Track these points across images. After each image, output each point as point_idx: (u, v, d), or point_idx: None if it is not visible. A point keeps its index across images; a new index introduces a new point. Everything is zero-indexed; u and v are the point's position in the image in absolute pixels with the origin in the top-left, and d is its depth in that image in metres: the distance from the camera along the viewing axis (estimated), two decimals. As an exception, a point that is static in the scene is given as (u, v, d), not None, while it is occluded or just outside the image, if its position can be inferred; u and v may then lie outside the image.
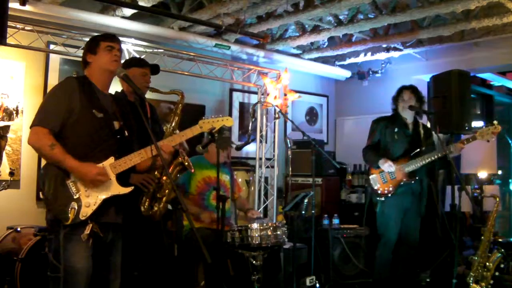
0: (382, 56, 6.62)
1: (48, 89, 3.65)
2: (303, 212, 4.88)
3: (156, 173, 3.03)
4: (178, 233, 3.87)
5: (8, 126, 4.69)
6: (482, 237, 4.30)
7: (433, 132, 4.58)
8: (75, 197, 2.55)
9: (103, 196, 2.60)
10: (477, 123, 6.74)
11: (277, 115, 5.13)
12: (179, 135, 2.94)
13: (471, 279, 4.22)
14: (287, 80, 6.12)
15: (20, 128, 4.75)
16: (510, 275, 4.75)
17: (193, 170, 3.23)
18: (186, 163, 3.06)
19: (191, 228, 3.57)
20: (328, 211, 5.84)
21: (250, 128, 5.53)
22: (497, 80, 7.59)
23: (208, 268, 3.81)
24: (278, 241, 3.87)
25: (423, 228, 4.59)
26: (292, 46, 6.38)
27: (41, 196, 4.65)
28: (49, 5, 4.54)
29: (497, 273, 4.30)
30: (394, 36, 5.90)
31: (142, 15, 5.23)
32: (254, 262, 3.80)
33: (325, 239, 5.28)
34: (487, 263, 4.26)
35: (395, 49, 6.33)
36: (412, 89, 4.51)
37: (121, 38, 4.87)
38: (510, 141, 6.87)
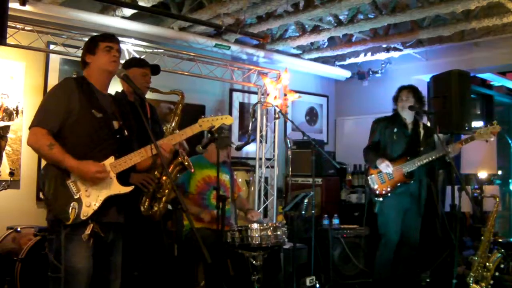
0: (382, 56, 6.62)
1: (48, 89, 3.65)
2: (303, 212, 4.88)
3: (156, 173, 3.03)
4: (178, 233, 3.87)
5: (8, 126, 4.69)
6: (482, 237, 4.30)
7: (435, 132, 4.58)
8: (75, 197, 2.55)
9: (103, 195, 2.60)
10: (477, 123, 6.74)
11: (277, 115, 5.14)
12: (179, 134, 2.94)
13: (471, 279, 4.22)
14: (287, 80, 6.13)
15: (20, 128, 4.75)
16: (510, 275, 4.75)
17: (193, 170, 3.23)
18: (186, 163, 3.06)
19: (191, 228, 3.57)
20: (328, 211, 5.84)
21: (250, 128, 5.53)
22: (497, 80, 7.59)
23: (208, 268, 3.81)
24: (278, 241, 3.87)
25: (423, 228, 4.59)
26: (292, 46, 6.38)
27: (41, 196, 4.65)
28: (49, 5, 4.54)
29: (497, 273, 4.30)
30: (394, 36, 5.90)
31: (142, 15, 5.23)
32: (254, 262, 3.80)
33: (325, 239, 5.28)
34: (487, 263, 4.26)
35: (395, 49, 6.33)
36: (411, 89, 4.51)
37: (121, 38, 4.88)
38: (510, 141, 6.86)
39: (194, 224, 3.00)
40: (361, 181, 6.50)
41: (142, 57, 4.61)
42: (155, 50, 5.32)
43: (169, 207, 3.06)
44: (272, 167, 6.29)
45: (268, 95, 6.09)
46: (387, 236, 4.49)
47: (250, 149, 6.38)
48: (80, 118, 2.63)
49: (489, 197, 5.18)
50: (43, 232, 3.90)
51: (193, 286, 4.09)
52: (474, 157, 5.96)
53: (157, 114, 3.75)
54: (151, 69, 3.54)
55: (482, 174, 6.07)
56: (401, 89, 4.57)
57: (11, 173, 4.26)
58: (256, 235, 3.76)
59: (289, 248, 4.59)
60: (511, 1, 4.58)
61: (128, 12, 4.92)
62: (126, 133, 2.80)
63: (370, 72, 7.25)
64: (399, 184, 4.39)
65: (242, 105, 6.70)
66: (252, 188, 6.14)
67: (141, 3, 4.68)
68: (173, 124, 3.15)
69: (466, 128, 4.88)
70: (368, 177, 4.53)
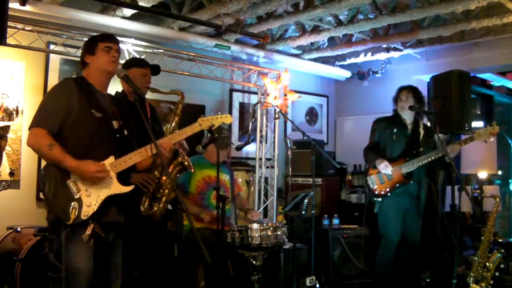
0: (382, 56, 6.62)
1: (48, 89, 3.65)
2: (303, 212, 4.89)
3: (156, 173, 3.03)
4: (178, 233, 3.87)
5: (8, 126, 4.69)
6: (482, 238, 4.30)
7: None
8: (76, 197, 2.55)
9: (104, 195, 2.60)
10: (477, 123, 6.75)
11: (277, 115, 5.14)
12: (178, 133, 2.94)
13: (471, 279, 4.22)
14: (287, 80, 6.13)
15: (20, 128, 4.75)
16: (510, 275, 4.75)
17: (193, 170, 3.23)
18: (186, 163, 3.07)
19: (191, 228, 3.57)
20: (328, 211, 5.84)
21: (250, 128, 5.53)
22: (497, 80, 7.59)
23: (208, 268, 3.81)
24: (278, 241, 3.87)
25: (423, 228, 4.59)
26: (292, 46, 6.38)
27: (41, 196, 4.66)
28: (49, 5, 4.54)
29: (497, 273, 4.30)
30: (394, 36, 5.90)
31: (142, 15, 5.23)
32: (254, 262, 3.80)
33: (325, 239, 5.28)
34: (487, 264, 4.26)
35: (395, 49, 6.33)
36: (410, 89, 4.51)
37: (121, 38, 4.92)
38: (510, 142, 6.87)
39: (194, 224, 3.00)
40: (361, 181, 6.50)
41: (142, 57, 4.61)
42: (155, 50, 5.32)
43: (169, 207, 3.06)
44: (272, 167, 6.29)
45: (268, 95, 6.09)
46: (387, 237, 4.49)
47: (250, 149, 6.38)
48: (80, 118, 2.63)
49: (489, 197, 5.19)
50: (43, 232, 3.90)
51: (193, 286, 4.09)
52: (474, 157, 5.97)
53: (157, 114, 3.75)
54: (151, 69, 3.54)
55: (482, 174, 6.07)
56: (401, 89, 4.57)
57: (11, 173, 4.26)
58: (256, 235, 3.76)
59: (289, 248, 4.59)
60: (511, 1, 4.58)
61: (128, 12, 4.92)
62: (126, 132, 2.80)
63: (370, 72, 7.26)
64: (397, 184, 4.39)
65: (242, 105, 6.71)
66: (252, 188, 6.14)
67: (141, 3, 4.68)
68: (173, 124, 3.15)
69: (466, 128, 4.88)
70: (368, 178, 4.53)
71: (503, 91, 8.11)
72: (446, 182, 6.14)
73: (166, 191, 3.01)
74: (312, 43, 6.55)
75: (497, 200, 4.40)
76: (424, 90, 5.43)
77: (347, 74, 7.44)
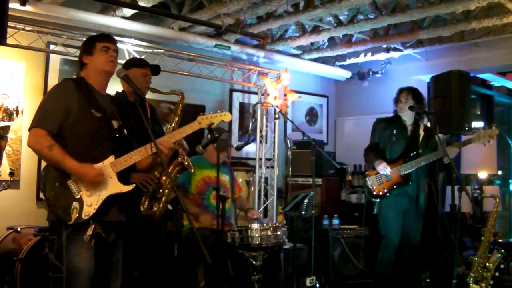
0: (382, 56, 6.62)
1: (48, 89, 3.66)
2: (303, 212, 4.88)
3: (156, 173, 3.03)
4: (178, 233, 3.87)
5: (8, 126, 4.69)
6: (482, 238, 4.30)
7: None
8: (76, 197, 2.55)
9: (104, 194, 2.60)
10: (477, 124, 6.75)
11: (277, 116, 5.14)
12: (178, 131, 2.93)
13: (471, 279, 4.22)
14: (287, 81, 6.13)
15: (20, 128, 4.75)
16: (510, 275, 4.75)
17: (192, 170, 3.23)
18: (186, 163, 3.06)
19: (191, 228, 3.58)
20: (328, 212, 5.84)
21: (250, 128, 5.53)
22: (497, 81, 7.60)
23: (208, 268, 3.81)
24: (278, 241, 3.87)
25: (423, 228, 4.59)
26: (292, 46, 6.38)
27: (41, 196, 4.66)
28: (49, 5, 4.54)
29: (497, 274, 4.30)
30: (394, 37, 5.90)
31: (142, 15, 5.23)
32: (254, 262, 3.80)
33: (325, 240, 5.28)
34: (487, 264, 4.26)
35: (395, 49, 6.33)
36: (410, 90, 4.51)
37: (121, 39, 4.93)
38: (510, 142, 6.87)
39: (194, 224, 3.00)
40: (361, 182, 6.49)
41: (142, 57, 4.61)
42: (155, 50, 5.32)
43: (169, 207, 3.06)
44: (272, 167, 6.29)
45: (268, 95, 6.09)
46: (387, 238, 4.49)
47: (250, 149, 6.38)
48: (80, 118, 2.63)
49: (489, 197, 5.19)
50: (43, 232, 3.90)
51: (193, 286, 4.09)
52: (474, 157, 5.97)
53: (157, 114, 3.75)
54: (152, 69, 3.54)
55: (482, 175, 6.08)
56: (401, 90, 4.57)
57: (11, 173, 4.27)
58: (256, 235, 3.76)
59: (289, 248, 4.58)
60: (511, 1, 4.58)
61: (128, 12, 4.92)
62: (126, 132, 2.80)
63: (370, 73, 7.26)
64: (395, 186, 4.40)
65: (242, 105, 6.71)
66: (252, 188, 6.14)
67: (141, 3, 4.68)
68: (173, 124, 3.15)
69: (466, 128, 4.88)
70: (367, 178, 4.54)
71: (503, 91, 8.12)
72: (446, 182, 6.14)
73: (166, 191, 3.01)
74: (312, 43, 6.55)
75: (497, 200, 4.40)
76: (424, 90, 5.44)
77: (347, 74, 7.44)
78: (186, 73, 5.57)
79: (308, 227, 5.14)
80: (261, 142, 6.26)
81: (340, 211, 5.91)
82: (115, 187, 2.64)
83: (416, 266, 4.89)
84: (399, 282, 4.56)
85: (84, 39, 2.89)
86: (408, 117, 4.53)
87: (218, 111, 3.06)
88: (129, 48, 5.12)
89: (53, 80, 4.90)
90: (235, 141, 6.37)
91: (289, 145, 4.78)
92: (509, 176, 7.66)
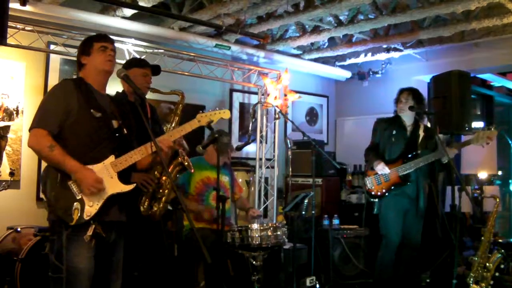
0: (382, 56, 6.62)
1: (49, 90, 3.66)
2: (303, 212, 4.88)
3: (156, 173, 3.03)
4: (178, 233, 3.87)
5: (8, 126, 4.69)
6: (482, 238, 4.30)
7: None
8: (77, 197, 2.55)
9: (105, 194, 2.60)
10: (477, 124, 6.75)
11: (277, 116, 5.14)
12: (177, 130, 2.93)
13: (471, 279, 4.22)
14: (287, 81, 6.13)
15: (20, 128, 4.75)
16: (510, 275, 4.75)
17: (192, 170, 3.23)
18: (186, 163, 3.06)
19: (191, 228, 3.58)
20: (328, 212, 5.84)
21: (250, 128, 5.54)
22: (497, 81, 7.59)
23: (208, 268, 3.81)
24: (278, 241, 3.87)
25: (423, 228, 4.58)
26: (293, 46, 6.38)
27: (43, 197, 4.66)
28: (49, 5, 4.54)
29: (497, 274, 4.30)
30: (394, 37, 5.90)
31: (142, 15, 5.23)
32: (254, 262, 3.80)
33: (325, 240, 5.28)
34: (487, 264, 4.26)
35: (395, 49, 6.33)
36: (410, 91, 4.51)
37: (121, 39, 4.93)
38: (510, 142, 6.87)
39: (194, 224, 3.00)
40: (361, 182, 6.49)
41: (142, 57, 4.61)
42: (156, 50, 5.32)
43: (169, 207, 3.06)
44: (272, 167, 6.29)
45: (268, 95, 6.10)
46: (388, 238, 4.49)
47: (250, 149, 6.38)
48: (80, 118, 2.63)
49: (489, 197, 5.19)
50: (43, 232, 3.90)
51: (193, 286, 4.09)
52: (474, 157, 5.97)
53: (157, 114, 3.75)
54: (152, 70, 3.54)
55: (482, 175, 6.08)
56: (401, 91, 4.57)
57: (11, 173, 4.26)
58: (256, 235, 3.76)
59: (289, 248, 4.59)
60: (511, 1, 4.58)
61: (128, 12, 4.92)
62: (125, 131, 2.80)
63: (370, 73, 7.26)
64: (393, 186, 4.40)
65: (242, 106, 6.71)
66: (252, 189, 6.14)
67: (141, 3, 4.68)
68: (173, 124, 3.15)
69: (466, 128, 4.88)
70: (366, 178, 4.54)
71: (503, 92, 8.12)
72: (446, 182, 6.14)
73: (166, 191, 3.01)
74: (312, 43, 6.55)
75: (497, 200, 4.40)
76: (424, 91, 5.44)
77: (347, 74, 7.44)
78: (186, 73, 5.57)
79: (308, 227, 5.14)
80: (261, 142, 6.26)
81: (340, 211, 5.91)
82: (116, 186, 2.64)
83: (416, 266, 4.89)
84: (399, 282, 4.56)
85: (84, 39, 2.89)
86: (408, 117, 4.53)
87: (217, 108, 3.06)
88: (129, 48, 5.12)
89: (53, 80, 4.90)
90: (235, 141, 6.37)
91: (289, 145, 4.78)
92: (509, 176, 7.65)
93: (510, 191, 7.57)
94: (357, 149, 4.93)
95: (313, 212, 4.62)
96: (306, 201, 4.64)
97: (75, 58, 4.74)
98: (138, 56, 4.97)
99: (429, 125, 4.84)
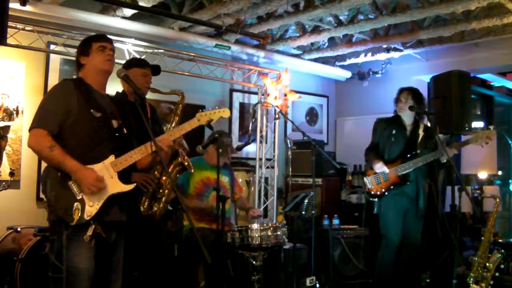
0: (382, 56, 6.62)
1: (49, 90, 3.66)
2: (303, 212, 4.88)
3: (156, 173, 3.03)
4: (178, 233, 3.86)
5: (8, 126, 4.69)
6: (482, 238, 4.30)
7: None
8: (78, 197, 2.55)
9: (106, 194, 2.60)
10: (477, 124, 6.75)
11: (277, 116, 5.14)
12: (177, 129, 2.93)
13: (471, 279, 4.22)
14: (287, 81, 6.13)
15: (20, 128, 4.75)
16: (510, 275, 4.75)
17: (192, 170, 3.23)
18: (186, 163, 3.06)
19: (191, 228, 3.58)
20: (328, 212, 5.84)
21: (250, 128, 5.53)
22: (497, 81, 7.59)
23: (208, 268, 3.81)
24: (278, 241, 3.87)
25: (423, 228, 4.59)
26: (293, 46, 6.38)
27: (43, 197, 4.66)
28: (49, 5, 4.54)
29: (497, 274, 4.30)
30: (394, 37, 5.90)
31: (142, 15, 5.23)
32: (254, 262, 3.80)
33: (325, 240, 5.28)
34: (487, 264, 4.26)
35: (395, 49, 6.33)
36: (410, 90, 4.51)
37: (121, 39, 4.93)
38: (510, 142, 6.86)
39: (194, 224, 3.00)
40: (361, 182, 6.48)
41: (142, 57, 4.61)
42: (156, 50, 5.32)
43: (169, 207, 3.06)
44: (272, 167, 6.29)
45: (268, 95, 6.10)
46: (388, 238, 4.49)
47: (250, 149, 6.38)
48: (79, 118, 2.63)
49: (489, 197, 5.19)
50: (43, 232, 3.90)
51: (193, 286, 4.09)
52: (474, 157, 5.97)
53: (157, 114, 3.75)
54: (152, 70, 3.54)
55: (482, 175, 6.08)
56: (401, 91, 4.58)
57: (11, 173, 4.26)
58: (256, 235, 3.76)
59: (289, 248, 4.58)
60: (511, 1, 4.58)
61: (128, 12, 4.92)
62: (125, 131, 2.80)
63: (370, 73, 7.26)
64: (392, 186, 4.40)
65: (242, 106, 6.71)
66: (252, 189, 6.14)
67: (141, 3, 4.68)
68: (173, 124, 3.15)
69: (466, 128, 4.88)
70: (365, 178, 4.54)
71: (503, 92, 8.12)
72: (446, 182, 6.14)
73: (166, 191, 3.01)
74: (312, 43, 6.55)
75: (497, 200, 4.40)
76: (424, 91, 5.43)
77: (347, 74, 7.44)
78: (186, 73, 5.57)
79: (308, 227, 5.14)
80: (261, 142, 6.26)
81: (340, 211, 5.91)
82: (117, 186, 2.64)
83: (416, 266, 4.89)
84: (399, 282, 4.56)
85: (84, 39, 2.89)
86: (408, 117, 4.53)
87: (216, 107, 3.06)
88: (129, 48, 5.12)
89: (53, 80, 4.90)
90: (235, 141, 6.37)
91: (289, 145, 4.78)
92: (509, 176, 7.65)
93: (510, 191, 7.57)
94: (357, 149, 4.93)
95: (313, 212, 4.62)
96: (306, 201, 4.64)
97: (75, 58, 4.80)
98: (138, 56, 4.97)
99: (429, 125, 4.84)
